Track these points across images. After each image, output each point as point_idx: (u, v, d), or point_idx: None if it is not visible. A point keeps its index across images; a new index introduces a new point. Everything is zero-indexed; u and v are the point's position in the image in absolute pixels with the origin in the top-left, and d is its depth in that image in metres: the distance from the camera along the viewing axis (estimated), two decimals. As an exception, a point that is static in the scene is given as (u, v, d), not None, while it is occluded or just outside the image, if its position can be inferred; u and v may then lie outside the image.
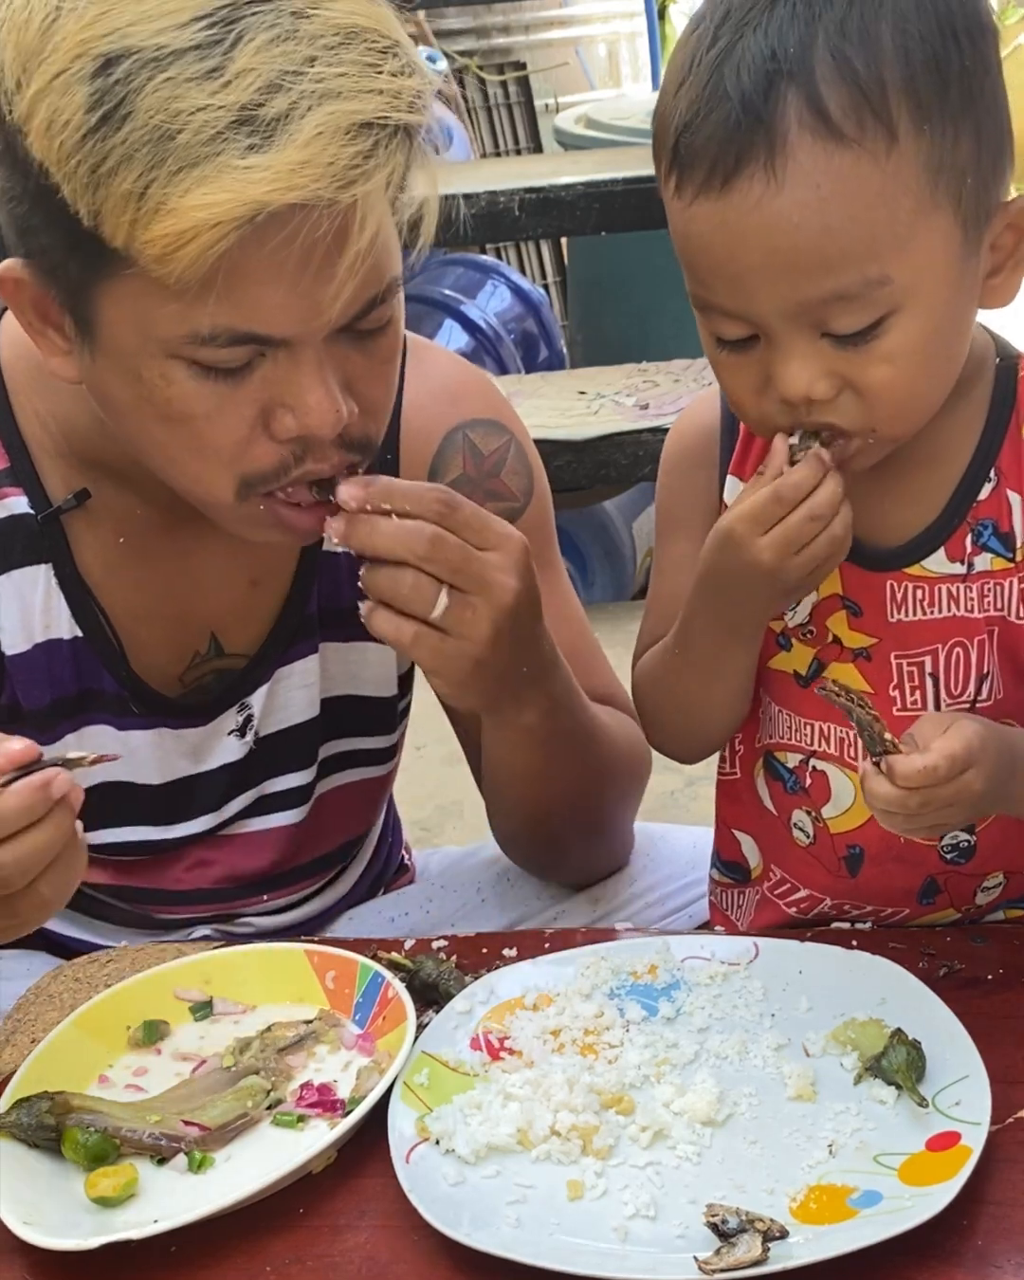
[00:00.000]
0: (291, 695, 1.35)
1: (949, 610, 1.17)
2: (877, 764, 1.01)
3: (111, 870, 1.37)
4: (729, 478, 1.24)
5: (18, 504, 1.25)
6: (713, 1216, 0.93)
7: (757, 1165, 1.00)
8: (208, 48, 0.96)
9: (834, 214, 0.97)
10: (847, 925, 1.28)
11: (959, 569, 1.17)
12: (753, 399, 1.07)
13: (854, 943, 1.17)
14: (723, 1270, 0.90)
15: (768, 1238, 0.92)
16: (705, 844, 1.40)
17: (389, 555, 1.09)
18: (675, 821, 1.64)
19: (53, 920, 1.42)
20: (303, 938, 1.35)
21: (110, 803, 1.32)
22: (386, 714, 1.41)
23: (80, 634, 1.28)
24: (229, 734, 1.34)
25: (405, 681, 1.42)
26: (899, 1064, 1.03)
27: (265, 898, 1.42)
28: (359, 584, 1.11)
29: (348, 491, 1.08)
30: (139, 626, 1.30)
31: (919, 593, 1.17)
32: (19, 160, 1.00)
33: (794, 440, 1.07)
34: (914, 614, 1.18)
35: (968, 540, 1.16)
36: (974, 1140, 0.96)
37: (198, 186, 0.95)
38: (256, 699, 1.33)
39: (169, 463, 1.12)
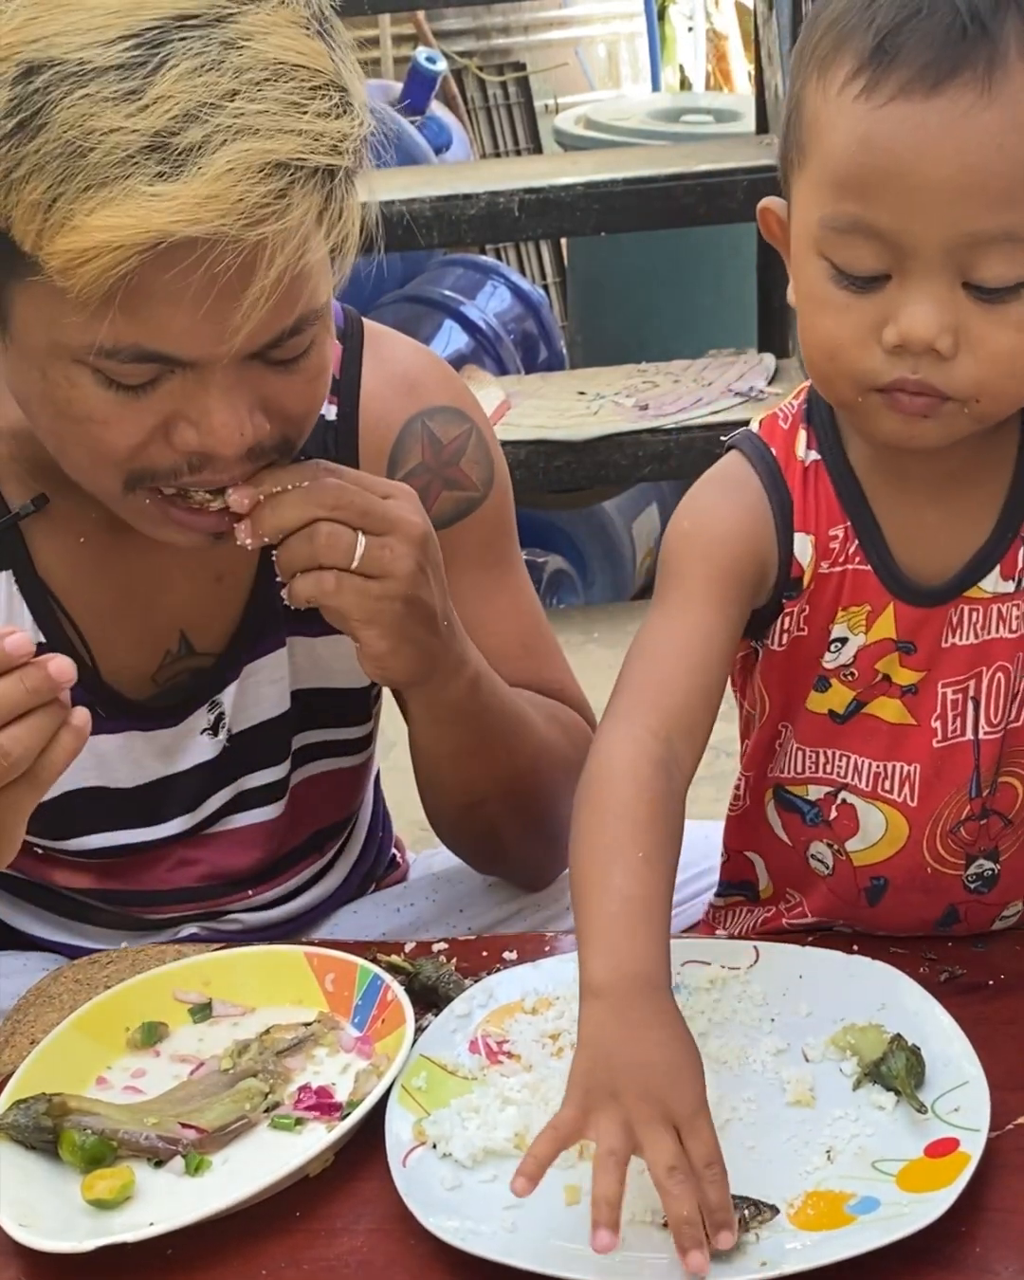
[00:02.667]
0: (261, 690, 1.33)
1: (997, 631, 1.15)
2: None
3: (93, 874, 1.36)
4: (797, 535, 1.14)
5: None
6: None
7: (754, 1171, 0.99)
8: (130, 69, 0.96)
9: None
10: (849, 930, 1.27)
11: (1009, 587, 1.14)
12: (857, 348, 1.02)
13: (855, 947, 1.17)
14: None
15: (756, 1217, 0.94)
16: (717, 836, 1.38)
17: (300, 521, 1.11)
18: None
19: (38, 926, 1.42)
20: (302, 939, 1.35)
21: (85, 807, 1.31)
22: (359, 704, 1.40)
23: (43, 640, 1.26)
24: (201, 733, 1.32)
25: None
26: (898, 1070, 1.03)
27: (250, 893, 1.41)
28: (278, 574, 1.14)
29: (238, 497, 1.11)
30: (106, 627, 1.29)
31: (974, 615, 1.15)
32: None
33: None
34: (968, 638, 1.15)
35: (1020, 555, 1.14)
36: (973, 1146, 0.96)
37: (103, 207, 0.96)
38: (227, 696, 1.32)
39: (61, 453, 1.14)
